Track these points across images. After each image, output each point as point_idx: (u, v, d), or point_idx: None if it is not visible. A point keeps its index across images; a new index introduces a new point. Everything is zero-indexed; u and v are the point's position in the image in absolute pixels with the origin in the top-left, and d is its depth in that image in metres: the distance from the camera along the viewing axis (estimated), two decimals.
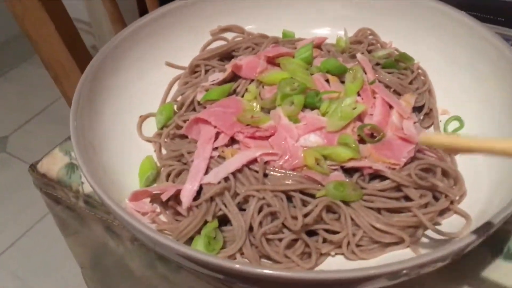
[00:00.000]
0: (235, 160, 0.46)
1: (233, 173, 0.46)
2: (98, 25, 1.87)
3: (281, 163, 0.46)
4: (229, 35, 0.66)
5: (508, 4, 0.61)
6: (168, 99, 0.59)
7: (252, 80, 0.54)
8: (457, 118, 0.55)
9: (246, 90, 0.53)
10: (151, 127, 0.56)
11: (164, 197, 0.45)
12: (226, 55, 0.61)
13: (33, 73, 1.86)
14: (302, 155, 0.46)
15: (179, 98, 0.58)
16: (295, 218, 0.43)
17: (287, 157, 0.47)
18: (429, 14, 0.60)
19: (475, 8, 0.63)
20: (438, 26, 0.60)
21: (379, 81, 0.55)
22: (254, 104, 0.51)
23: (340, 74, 0.54)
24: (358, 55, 0.57)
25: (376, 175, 0.46)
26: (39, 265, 1.28)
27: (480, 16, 0.63)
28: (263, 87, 0.53)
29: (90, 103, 0.52)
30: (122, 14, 0.91)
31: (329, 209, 0.44)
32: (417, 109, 0.56)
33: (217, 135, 0.49)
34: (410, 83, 0.57)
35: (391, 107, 0.52)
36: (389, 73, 0.57)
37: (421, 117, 0.55)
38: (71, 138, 0.47)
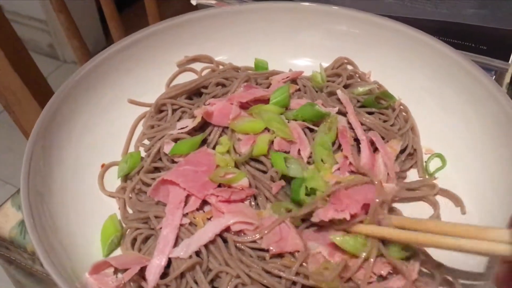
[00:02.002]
0: (207, 230, 0.42)
1: (205, 245, 0.41)
2: (54, 23, 1.78)
3: (256, 234, 0.42)
4: (198, 66, 0.61)
5: (490, 30, 0.58)
6: (133, 141, 0.54)
7: (224, 128, 0.49)
8: (439, 156, 0.53)
9: (218, 141, 0.49)
10: (115, 177, 0.51)
11: (126, 278, 0.40)
12: (195, 92, 0.56)
13: None
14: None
15: (145, 141, 0.53)
16: None
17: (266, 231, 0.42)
18: (412, 45, 0.56)
19: (457, 35, 0.60)
20: (421, 58, 0.56)
21: (361, 124, 0.51)
22: (227, 158, 0.46)
23: (318, 122, 0.50)
24: (339, 93, 0.53)
25: None
26: None
27: (461, 44, 0.60)
28: (237, 137, 0.49)
29: (46, 152, 0.47)
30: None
31: None
32: (400, 151, 0.52)
33: (188, 197, 0.44)
34: (392, 124, 0.54)
35: (375, 150, 0.49)
36: (369, 113, 0.54)
37: (403, 159, 0.52)
38: (20, 194, 0.42)
